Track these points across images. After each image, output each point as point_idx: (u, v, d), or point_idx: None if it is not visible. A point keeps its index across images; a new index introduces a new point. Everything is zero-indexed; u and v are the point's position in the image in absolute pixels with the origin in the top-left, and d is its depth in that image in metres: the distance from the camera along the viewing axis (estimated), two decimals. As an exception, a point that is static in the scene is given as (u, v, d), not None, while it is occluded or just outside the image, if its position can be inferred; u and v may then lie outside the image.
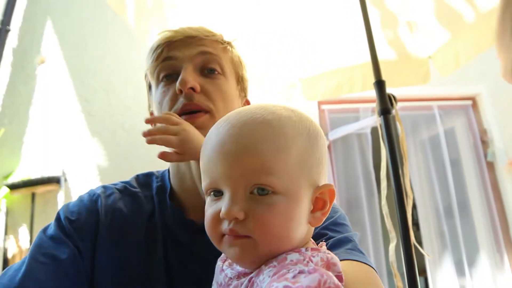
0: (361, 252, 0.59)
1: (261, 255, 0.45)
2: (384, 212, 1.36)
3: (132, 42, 2.79)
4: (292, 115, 0.48)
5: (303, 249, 0.46)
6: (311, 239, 0.52)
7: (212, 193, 0.47)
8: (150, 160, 0.93)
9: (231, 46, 0.80)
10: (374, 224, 2.93)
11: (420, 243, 3.04)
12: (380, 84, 1.34)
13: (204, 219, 0.48)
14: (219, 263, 0.54)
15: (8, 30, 1.21)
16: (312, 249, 0.47)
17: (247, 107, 0.50)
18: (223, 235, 0.46)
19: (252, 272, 0.46)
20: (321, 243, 0.52)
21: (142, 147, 2.01)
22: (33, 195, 2.54)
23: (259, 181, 0.44)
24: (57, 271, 0.60)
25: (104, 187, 0.75)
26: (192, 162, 0.69)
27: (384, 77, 1.36)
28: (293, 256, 0.44)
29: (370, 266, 0.56)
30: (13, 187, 2.49)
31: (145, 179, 0.79)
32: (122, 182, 0.77)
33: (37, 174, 2.55)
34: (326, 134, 2.97)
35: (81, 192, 0.92)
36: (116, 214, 0.70)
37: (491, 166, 3.09)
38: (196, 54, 0.73)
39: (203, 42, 0.74)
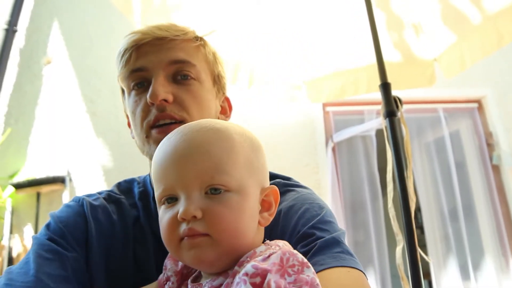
0: (349, 254, 0.57)
1: (220, 253, 0.47)
2: (391, 215, 1.35)
3: (137, 43, 2.80)
4: (236, 127, 0.54)
5: (264, 245, 0.50)
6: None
7: (166, 201, 0.49)
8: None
9: (205, 43, 0.76)
10: (379, 227, 2.92)
11: (424, 246, 3.02)
12: (385, 87, 1.34)
13: None
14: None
15: (15, 31, 1.22)
16: (272, 243, 0.50)
17: (195, 122, 0.54)
18: (181, 240, 0.47)
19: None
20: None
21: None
22: (38, 195, 2.56)
23: (213, 181, 0.47)
24: (64, 264, 0.61)
25: (89, 194, 0.75)
26: None
27: (389, 79, 1.35)
28: (261, 248, 0.48)
29: (358, 269, 0.55)
30: (18, 186, 2.51)
31: (126, 186, 0.79)
32: (105, 191, 0.77)
33: (42, 174, 2.57)
34: (331, 136, 2.96)
35: (85, 192, 0.92)
36: (104, 218, 0.70)
37: (496, 169, 3.07)
38: (167, 62, 0.69)
39: (173, 44, 0.71)
